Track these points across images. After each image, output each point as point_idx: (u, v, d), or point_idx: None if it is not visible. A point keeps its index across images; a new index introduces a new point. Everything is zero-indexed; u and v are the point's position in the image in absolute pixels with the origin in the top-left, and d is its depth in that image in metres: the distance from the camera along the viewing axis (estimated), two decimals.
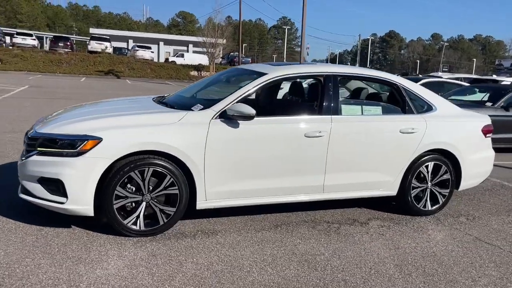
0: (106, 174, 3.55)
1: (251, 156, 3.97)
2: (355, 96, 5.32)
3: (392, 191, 4.65)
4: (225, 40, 51.74)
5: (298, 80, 4.97)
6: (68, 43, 37.42)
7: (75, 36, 70.18)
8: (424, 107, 4.80)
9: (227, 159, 3.88)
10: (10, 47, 36.25)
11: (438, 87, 12.05)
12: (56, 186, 3.51)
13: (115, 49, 43.32)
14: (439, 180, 4.80)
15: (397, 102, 4.78)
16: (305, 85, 5.61)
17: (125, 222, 3.65)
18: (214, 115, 3.89)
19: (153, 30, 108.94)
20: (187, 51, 60.00)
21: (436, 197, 4.82)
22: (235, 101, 3.96)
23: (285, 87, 5.72)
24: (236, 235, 3.94)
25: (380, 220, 4.60)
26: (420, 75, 23.15)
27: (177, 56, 46.84)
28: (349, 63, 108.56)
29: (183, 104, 4.20)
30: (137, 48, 41.32)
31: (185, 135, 3.73)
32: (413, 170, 4.65)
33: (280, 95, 5.82)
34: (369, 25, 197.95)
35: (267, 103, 5.23)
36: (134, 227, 3.68)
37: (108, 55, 36.36)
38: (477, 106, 8.96)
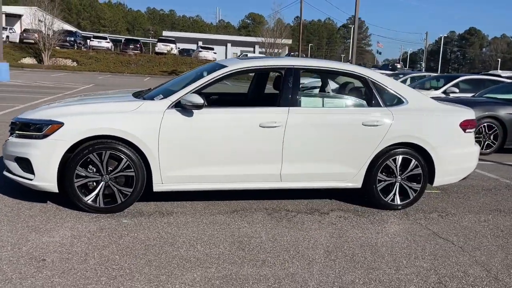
0: (68, 155, 4.01)
1: (205, 144, 4.24)
2: (342, 90, 5.38)
3: (356, 183, 4.68)
4: (290, 41, 51.82)
5: (262, 73, 5.14)
6: (138, 45, 39.84)
7: (145, 39, 74.17)
8: (394, 101, 4.76)
9: (181, 146, 4.19)
10: (87, 50, 39.33)
11: (480, 85, 11.48)
12: (26, 165, 4.04)
13: (182, 50, 45.34)
14: (410, 175, 4.73)
15: (364, 95, 4.80)
16: None
17: (85, 199, 4.09)
18: (170, 105, 4.22)
19: (224, 32, 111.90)
20: (254, 52, 61.01)
21: (407, 191, 4.76)
22: (191, 91, 4.26)
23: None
24: (189, 217, 4.23)
25: (343, 212, 4.65)
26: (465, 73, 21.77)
27: (241, 57, 48.00)
28: (423, 63, 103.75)
29: (151, 96, 4.57)
30: (200, 49, 42.91)
31: (140, 122, 4.10)
32: (379, 163, 4.63)
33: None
34: (447, 23, 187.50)
35: (229, 95, 5.46)
36: (93, 204, 4.11)
37: (173, 56, 38.20)
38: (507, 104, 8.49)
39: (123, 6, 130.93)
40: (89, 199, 4.11)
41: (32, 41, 35.67)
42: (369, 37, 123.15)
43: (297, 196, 5.02)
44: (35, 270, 3.04)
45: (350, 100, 4.79)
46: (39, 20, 34.32)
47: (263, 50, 44.41)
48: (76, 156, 4.00)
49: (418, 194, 4.79)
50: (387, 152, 4.64)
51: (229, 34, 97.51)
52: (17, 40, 39.13)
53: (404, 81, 15.38)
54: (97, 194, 4.12)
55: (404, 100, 4.75)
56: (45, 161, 3.98)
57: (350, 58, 27.52)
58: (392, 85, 4.81)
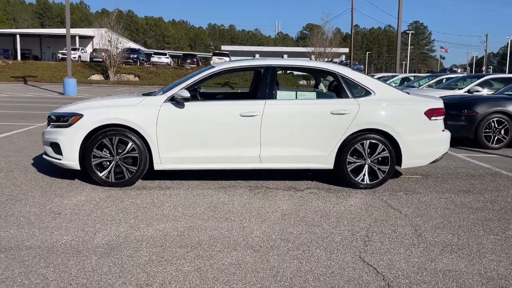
0: (87, 140, 5.12)
1: (195, 131, 5.17)
2: (316, 85, 6.19)
3: (328, 164, 5.38)
4: (347, 49, 51.98)
5: (245, 71, 5.99)
6: (195, 59, 42.14)
7: (202, 53, 77.63)
8: (362, 93, 5.42)
9: (174, 132, 5.15)
10: (148, 65, 42.21)
11: (507, 83, 11.52)
12: (57, 148, 5.20)
13: None
14: (378, 157, 5.35)
15: (334, 88, 5.51)
16: None
17: (100, 174, 5.17)
18: (166, 99, 5.21)
19: (282, 44, 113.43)
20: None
21: (376, 172, 5.37)
22: (183, 88, 5.23)
23: None
24: (182, 191, 5.16)
25: (316, 189, 5.36)
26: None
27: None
28: (491, 67, 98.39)
29: (155, 93, 5.59)
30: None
31: (142, 113, 5.12)
32: (348, 147, 5.31)
33: None
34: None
35: (228, 94, 6.38)
36: (106, 179, 5.18)
37: None
38: None
39: (186, 23, 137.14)
40: (103, 175, 5.17)
41: (100, 60, 39.09)
42: (433, 43, 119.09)
43: (284, 177, 5.79)
44: (51, 219, 4.11)
45: (321, 93, 5.53)
46: (108, 41, 37.55)
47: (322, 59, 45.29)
48: (93, 141, 5.09)
49: (386, 175, 5.39)
50: (355, 138, 5.30)
51: (287, 45, 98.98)
52: (88, 59, 43.01)
53: (439, 81, 15.47)
54: (109, 171, 5.18)
55: (371, 92, 5.40)
56: (70, 144, 5.10)
57: (397, 63, 27.44)
58: (361, 79, 5.48)
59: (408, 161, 5.40)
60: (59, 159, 5.22)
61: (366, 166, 5.36)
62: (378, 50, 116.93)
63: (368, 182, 5.38)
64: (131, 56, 41.26)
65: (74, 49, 45.59)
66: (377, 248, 3.60)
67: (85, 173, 5.34)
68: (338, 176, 5.55)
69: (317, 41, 38.37)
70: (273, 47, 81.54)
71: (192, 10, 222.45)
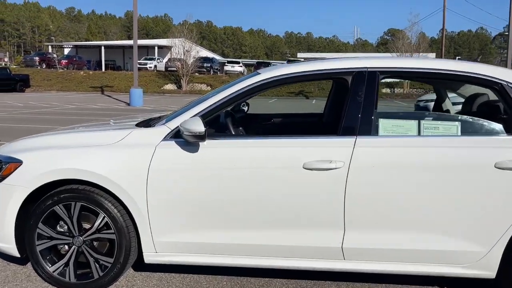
0: (27, 207, 2.86)
1: (217, 197, 2.71)
2: (466, 107, 3.38)
3: (485, 270, 2.63)
4: (434, 54, 47.58)
5: (303, 81, 3.37)
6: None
7: (276, 61, 75.64)
8: None
9: (179, 198, 2.73)
10: (221, 74, 41.06)
11: None
12: None
13: None
14: None
15: (499, 114, 2.74)
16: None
17: (50, 269, 2.88)
18: (167, 134, 2.81)
19: (361, 50, 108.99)
20: None
21: None
22: (196, 114, 2.79)
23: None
24: None
25: None
26: None
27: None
28: None
29: (157, 122, 3.20)
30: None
31: (120, 161, 2.76)
32: None
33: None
34: None
35: (254, 119, 3.83)
36: (60, 277, 2.87)
37: None
38: None
39: (263, 32, 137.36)
40: (55, 270, 2.88)
41: (175, 69, 38.39)
42: None
43: (380, 281, 3.13)
44: None
45: (472, 123, 2.78)
46: (186, 50, 36.73)
47: None
48: (37, 209, 2.83)
49: None
50: None
51: (367, 52, 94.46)
52: (163, 69, 42.78)
53: None
54: (67, 264, 2.88)
55: None
56: (1, 214, 2.88)
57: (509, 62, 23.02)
58: None
59: None
60: None
61: None
62: (469, 55, 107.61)
63: None
64: (204, 65, 40.21)
65: (151, 59, 45.84)
66: None
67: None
68: None
69: (402, 46, 34.35)
70: (351, 53, 77.66)
71: (270, 19, 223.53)
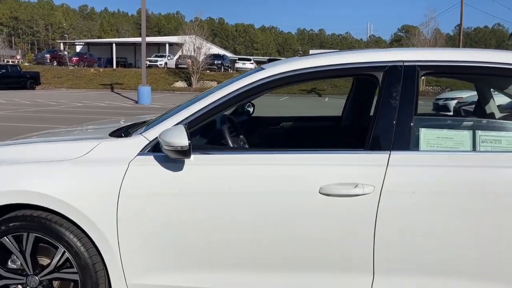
0: None
1: (208, 230, 2.08)
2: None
3: None
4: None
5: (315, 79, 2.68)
6: None
7: (281, 58, 75.23)
8: None
9: (161, 231, 2.11)
10: (232, 72, 40.53)
11: None
12: None
13: None
14: None
15: None
16: None
17: None
18: (145, 147, 2.18)
19: (374, 47, 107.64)
20: None
21: None
22: (180, 122, 2.16)
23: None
24: None
25: None
26: None
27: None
28: None
29: (135, 131, 2.58)
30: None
31: (84, 181, 2.14)
32: None
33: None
34: None
35: (259, 123, 3.18)
36: None
37: None
38: None
39: (275, 29, 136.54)
40: None
41: (185, 66, 37.87)
42: None
43: None
44: None
45: None
46: (197, 47, 36.18)
47: None
48: None
49: None
50: None
51: (379, 48, 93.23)
52: (174, 66, 42.29)
53: None
54: None
55: None
56: None
57: None
58: None
59: None
60: None
61: None
62: None
63: None
64: (215, 62, 39.66)
65: (161, 56, 45.46)
66: None
67: None
68: None
69: (418, 42, 33.33)
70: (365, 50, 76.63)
71: (282, 16, 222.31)
